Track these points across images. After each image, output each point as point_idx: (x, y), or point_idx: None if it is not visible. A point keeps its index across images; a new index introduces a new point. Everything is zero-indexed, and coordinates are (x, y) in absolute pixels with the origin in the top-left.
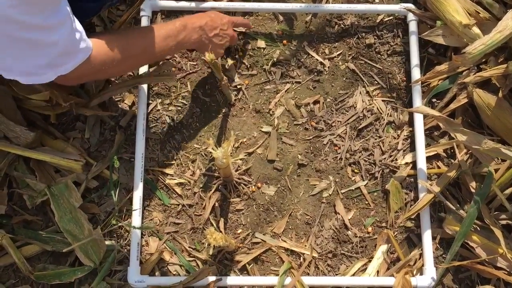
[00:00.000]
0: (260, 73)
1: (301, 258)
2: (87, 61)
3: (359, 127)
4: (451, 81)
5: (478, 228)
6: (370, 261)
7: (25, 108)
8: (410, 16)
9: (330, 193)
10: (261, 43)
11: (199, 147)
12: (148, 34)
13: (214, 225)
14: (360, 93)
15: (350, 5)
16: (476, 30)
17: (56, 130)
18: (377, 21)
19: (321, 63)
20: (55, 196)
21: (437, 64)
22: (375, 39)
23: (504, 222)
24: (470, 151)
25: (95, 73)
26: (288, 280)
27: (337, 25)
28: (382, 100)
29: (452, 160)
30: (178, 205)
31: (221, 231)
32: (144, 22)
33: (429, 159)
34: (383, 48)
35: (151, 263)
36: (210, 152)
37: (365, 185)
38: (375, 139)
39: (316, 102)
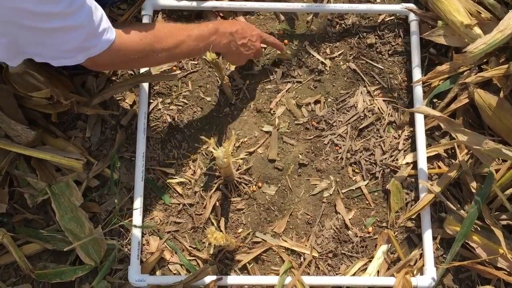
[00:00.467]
0: (261, 72)
1: (302, 257)
2: (114, 48)
3: (360, 127)
4: (452, 81)
5: (478, 228)
6: (370, 261)
7: (26, 106)
8: (412, 16)
9: (331, 193)
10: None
11: (200, 146)
12: (182, 32)
13: (215, 224)
14: (361, 93)
15: (352, 5)
16: (477, 30)
17: (57, 129)
18: (379, 21)
19: (322, 62)
20: (56, 195)
21: (438, 64)
22: (376, 39)
23: (504, 222)
24: (471, 152)
25: (123, 62)
26: (288, 280)
27: (338, 25)
28: (383, 100)
29: (453, 160)
30: (179, 204)
31: (221, 231)
32: (145, 21)
33: (430, 159)
34: (384, 48)
35: (152, 262)
36: (211, 152)
37: (365, 185)
38: (376, 139)
39: (317, 101)
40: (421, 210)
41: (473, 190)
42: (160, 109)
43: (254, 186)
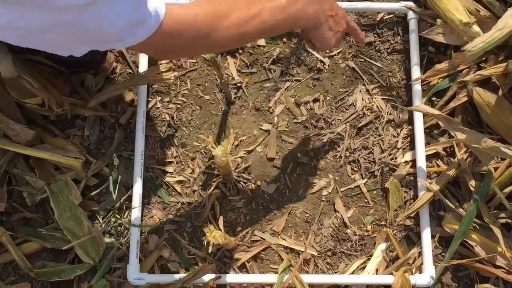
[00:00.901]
0: (260, 71)
1: (301, 256)
2: (167, 24)
3: (358, 126)
4: (451, 79)
5: (477, 226)
6: (369, 259)
7: (24, 106)
8: (410, 14)
9: (330, 191)
10: (261, 41)
11: (199, 145)
12: (251, 3)
13: (214, 223)
14: (360, 91)
15: (350, 3)
16: (476, 28)
17: (56, 127)
18: (377, 19)
19: (321, 61)
20: (55, 193)
21: (437, 62)
22: (375, 37)
23: (503, 220)
24: (469, 150)
25: (184, 45)
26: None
27: None
28: (382, 99)
29: (452, 159)
30: (178, 202)
31: (220, 229)
32: None
33: (428, 157)
34: (383, 46)
35: (151, 261)
36: (210, 150)
37: (364, 184)
38: (375, 137)
39: (316, 100)
40: (419, 208)
41: (472, 189)
42: (158, 107)
43: (253, 185)
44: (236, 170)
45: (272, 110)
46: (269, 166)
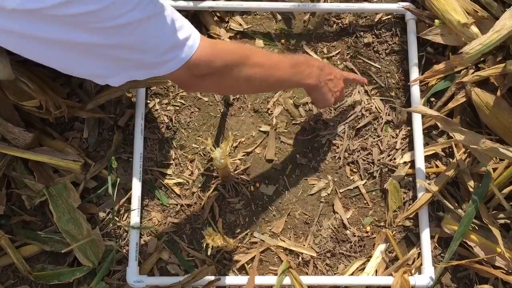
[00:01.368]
0: None
1: (300, 257)
2: (207, 48)
3: (357, 127)
4: (450, 80)
5: (476, 227)
6: (368, 260)
7: (22, 109)
8: (408, 15)
9: (329, 193)
10: (259, 43)
11: (198, 146)
12: (272, 54)
13: (213, 225)
14: (359, 92)
15: (348, 4)
16: (474, 29)
17: (54, 130)
18: (375, 20)
19: None
20: (54, 196)
21: (436, 63)
22: (373, 38)
23: (502, 221)
24: (468, 150)
25: (219, 72)
26: (287, 280)
27: (335, 24)
28: (381, 99)
29: (451, 159)
30: (177, 205)
31: (219, 231)
32: None
33: (427, 158)
34: (382, 47)
35: (150, 263)
36: (209, 152)
37: (363, 185)
38: (374, 138)
39: None
40: (419, 209)
41: (471, 189)
42: (157, 109)
43: (252, 186)
44: (235, 172)
45: (271, 111)
46: (268, 168)
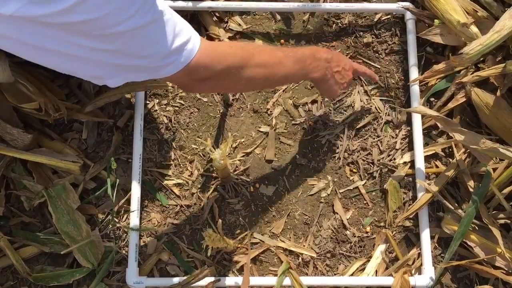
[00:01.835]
0: None
1: (300, 258)
2: (207, 49)
3: (357, 127)
4: (449, 80)
5: (476, 227)
6: (368, 260)
7: (21, 110)
8: (408, 15)
9: (329, 193)
10: (258, 43)
11: (197, 147)
12: (275, 50)
13: (212, 225)
14: (358, 92)
15: (348, 4)
16: (474, 29)
17: (53, 131)
18: (375, 20)
19: None
20: (53, 197)
21: (435, 63)
22: (373, 38)
23: (502, 221)
24: (468, 151)
25: (220, 73)
26: (287, 280)
27: (334, 24)
28: (380, 100)
29: (451, 160)
30: (176, 205)
31: (219, 232)
32: None
33: (427, 158)
34: (381, 47)
35: (150, 264)
36: (208, 153)
37: (363, 185)
38: (373, 138)
39: (314, 101)
40: (418, 209)
41: (471, 189)
42: (156, 110)
43: (251, 187)
44: (235, 173)
45: (270, 112)
46: (267, 168)
